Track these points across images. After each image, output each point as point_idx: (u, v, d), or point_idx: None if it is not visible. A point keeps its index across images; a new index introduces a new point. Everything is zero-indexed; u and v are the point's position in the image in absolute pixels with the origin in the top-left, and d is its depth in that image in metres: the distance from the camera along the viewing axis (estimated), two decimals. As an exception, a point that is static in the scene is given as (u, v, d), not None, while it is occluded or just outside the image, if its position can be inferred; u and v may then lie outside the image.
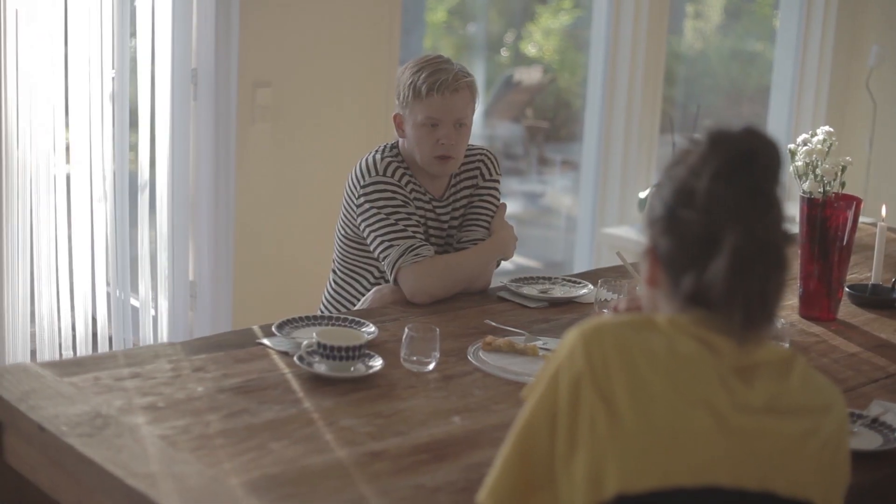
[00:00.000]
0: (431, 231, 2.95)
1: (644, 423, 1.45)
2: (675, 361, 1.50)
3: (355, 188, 2.86)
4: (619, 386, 1.46)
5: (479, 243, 2.93)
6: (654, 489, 1.44)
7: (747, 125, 1.56)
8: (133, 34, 3.68)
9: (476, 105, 2.90)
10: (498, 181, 3.04)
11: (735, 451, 1.47)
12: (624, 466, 1.44)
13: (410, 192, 2.88)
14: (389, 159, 2.87)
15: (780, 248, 1.53)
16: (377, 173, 2.84)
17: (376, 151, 2.91)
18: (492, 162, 3.04)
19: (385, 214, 2.81)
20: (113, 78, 3.64)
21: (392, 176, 2.84)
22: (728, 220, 1.50)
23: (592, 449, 1.45)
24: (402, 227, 2.80)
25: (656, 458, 1.45)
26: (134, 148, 3.77)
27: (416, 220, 2.84)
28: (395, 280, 2.80)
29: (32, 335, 3.64)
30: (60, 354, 3.67)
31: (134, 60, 3.69)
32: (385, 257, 2.80)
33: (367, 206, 2.83)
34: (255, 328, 2.54)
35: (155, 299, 3.89)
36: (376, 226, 2.81)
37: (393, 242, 2.79)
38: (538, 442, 1.50)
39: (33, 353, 3.64)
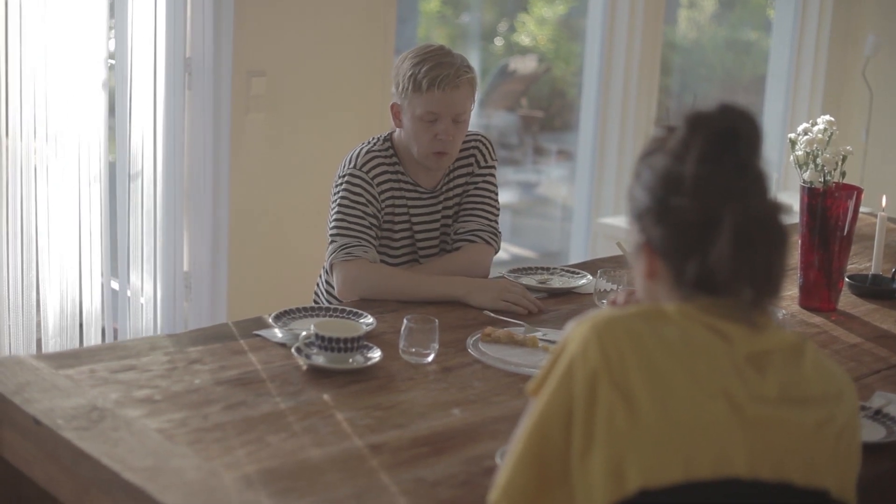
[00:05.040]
0: (420, 226, 2.92)
1: (664, 416, 1.43)
2: (690, 351, 1.48)
3: (335, 177, 2.88)
4: (637, 379, 1.44)
5: (444, 276, 2.81)
6: (676, 483, 1.42)
7: (722, 102, 1.54)
8: (126, 22, 3.65)
9: (475, 98, 2.86)
10: (494, 167, 3.01)
11: (752, 442, 1.46)
12: (646, 461, 1.42)
13: (388, 190, 2.86)
14: (374, 154, 2.85)
15: (776, 219, 1.52)
16: (353, 167, 2.83)
17: (365, 144, 2.90)
18: (486, 148, 3.00)
19: (340, 207, 2.80)
20: (112, 65, 3.61)
21: (368, 172, 2.82)
22: (722, 200, 1.49)
23: (611, 444, 1.43)
24: (348, 225, 2.79)
25: (678, 451, 1.43)
26: (128, 137, 3.74)
27: (371, 222, 2.81)
28: (332, 274, 2.82)
29: (16, 325, 3.62)
30: (65, 344, 3.65)
31: (128, 49, 3.66)
32: (327, 251, 2.81)
33: (333, 195, 2.85)
34: (252, 319, 2.52)
35: (150, 290, 3.87)
36: (330, 217, 2.83)
37: (334, 238, 2.80)
38: (552, 438, 1.48)
39: (27, 343, 3.62)
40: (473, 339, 2.47)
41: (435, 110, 2.77)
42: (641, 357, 1.45)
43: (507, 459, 1.53)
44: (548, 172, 7.90)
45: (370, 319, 2.50)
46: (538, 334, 2.52)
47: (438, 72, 2.75)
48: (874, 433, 2.07)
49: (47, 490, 1.97)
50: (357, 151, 2.87)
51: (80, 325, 3.71)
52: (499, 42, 7.90)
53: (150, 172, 3.78)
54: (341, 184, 2.84)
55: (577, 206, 5.71)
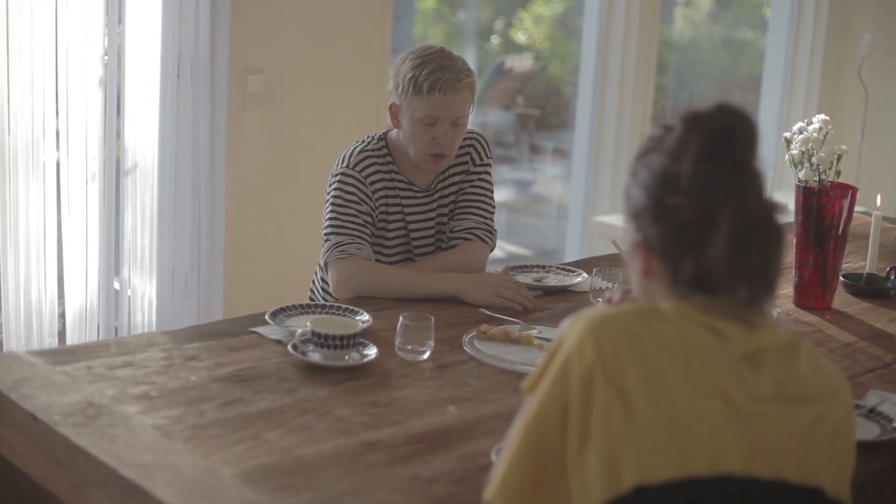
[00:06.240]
0: (415, 225, 2.92)
1: (660, 414, 1.44)
2: (686, 349, 1.48)
3: (329, 176, 2.88)
4: (633, 377, 1.45)
5: (439, 273, 2.81)
6: (672, 480, 1.43)
7: (719, 102, 1.55)
8: (123, 19, 3.65)
9: (474, 101, 2.85)
10: (489, 165, 3.00)
11: (747, 440, 1.46)
12: (641, 458, 1.43)
13: (381, 189, 2.85)
14: (367, 153, 2.85)
15: (772, 218, 1.53)
16: (346, 166, 2.83)
17: (358, 143, 2.89)
18: (482, 146, 2.99)
19: (334, 206, 2.81)
20: (106, 63, 3.61)
21: (361, 172, 2.82)
22: (719, 200, 1.49)
23: (607, 442, 1.44)
24: (341, 224, 2.79)
25: (673, 448, 1.44)
26: (124, 134, 3.74)
27: (364, 220, 2.81)
28: (327, 272, 2.82)
29: (13, 322, 3.62)
30: (61, 341, 3.65)
31: (124, 45, 3.66)
32: (322, 250, 2.82)
33: (327, 195, 2.85)
34: (249, 316, 2.52)
35: (146, 287, 3.87)
36: (325, 216, 2.83)
37: (328, 237, 2.80)
38: (548, 436, 1.48)
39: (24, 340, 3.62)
40: (469, 336, 2.48)
41: (434, 114, 2.77)
42: (637, 355, 1.46)
43: (503, 457, 1.53)
44: (543, 171, 7.91)
45: (366, 317, 2.51)
46: (534, 332, 2.53)
47: (439, 75, 2.74)
48: (868, 432, 2.07)
49: (44, 486, 1.97)
50: (350, 150, 2.87)
51: (64, 322, 3.71)
52: (495, 40, 7.90)
53: (147, 170, 3.78)
54: (334, 183, 2.84)
55: (572, 205, 5.71)
